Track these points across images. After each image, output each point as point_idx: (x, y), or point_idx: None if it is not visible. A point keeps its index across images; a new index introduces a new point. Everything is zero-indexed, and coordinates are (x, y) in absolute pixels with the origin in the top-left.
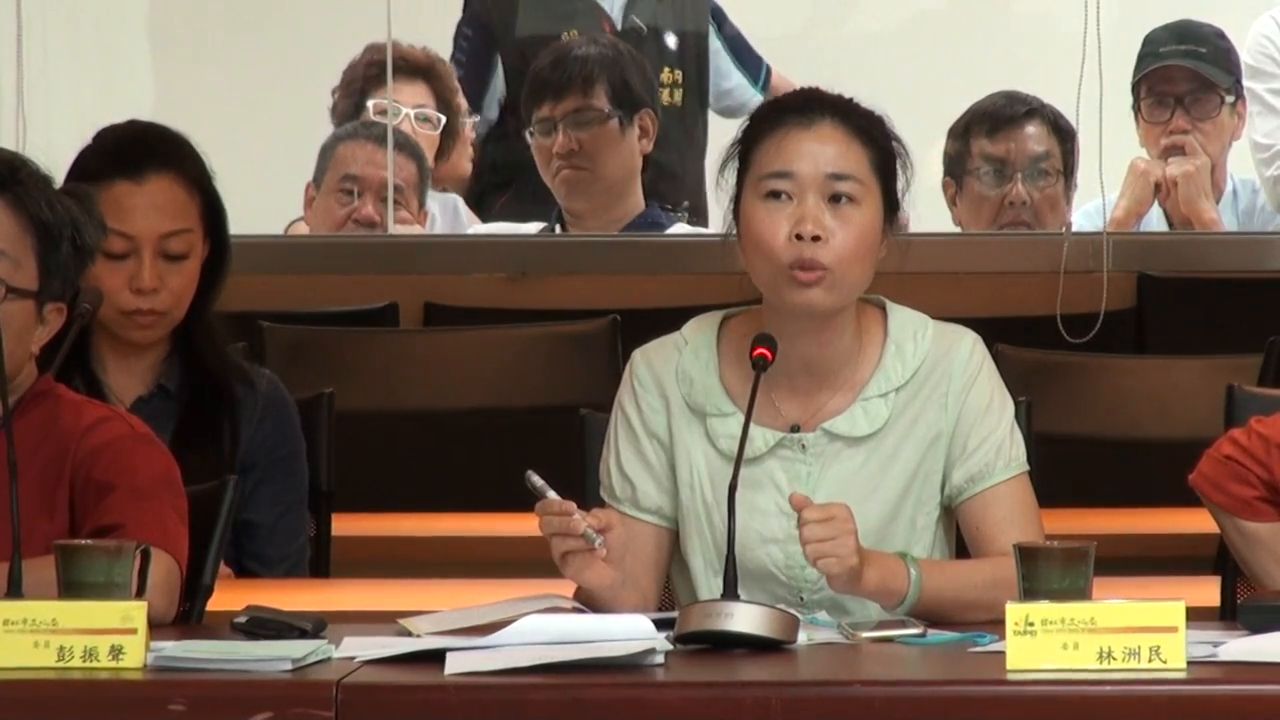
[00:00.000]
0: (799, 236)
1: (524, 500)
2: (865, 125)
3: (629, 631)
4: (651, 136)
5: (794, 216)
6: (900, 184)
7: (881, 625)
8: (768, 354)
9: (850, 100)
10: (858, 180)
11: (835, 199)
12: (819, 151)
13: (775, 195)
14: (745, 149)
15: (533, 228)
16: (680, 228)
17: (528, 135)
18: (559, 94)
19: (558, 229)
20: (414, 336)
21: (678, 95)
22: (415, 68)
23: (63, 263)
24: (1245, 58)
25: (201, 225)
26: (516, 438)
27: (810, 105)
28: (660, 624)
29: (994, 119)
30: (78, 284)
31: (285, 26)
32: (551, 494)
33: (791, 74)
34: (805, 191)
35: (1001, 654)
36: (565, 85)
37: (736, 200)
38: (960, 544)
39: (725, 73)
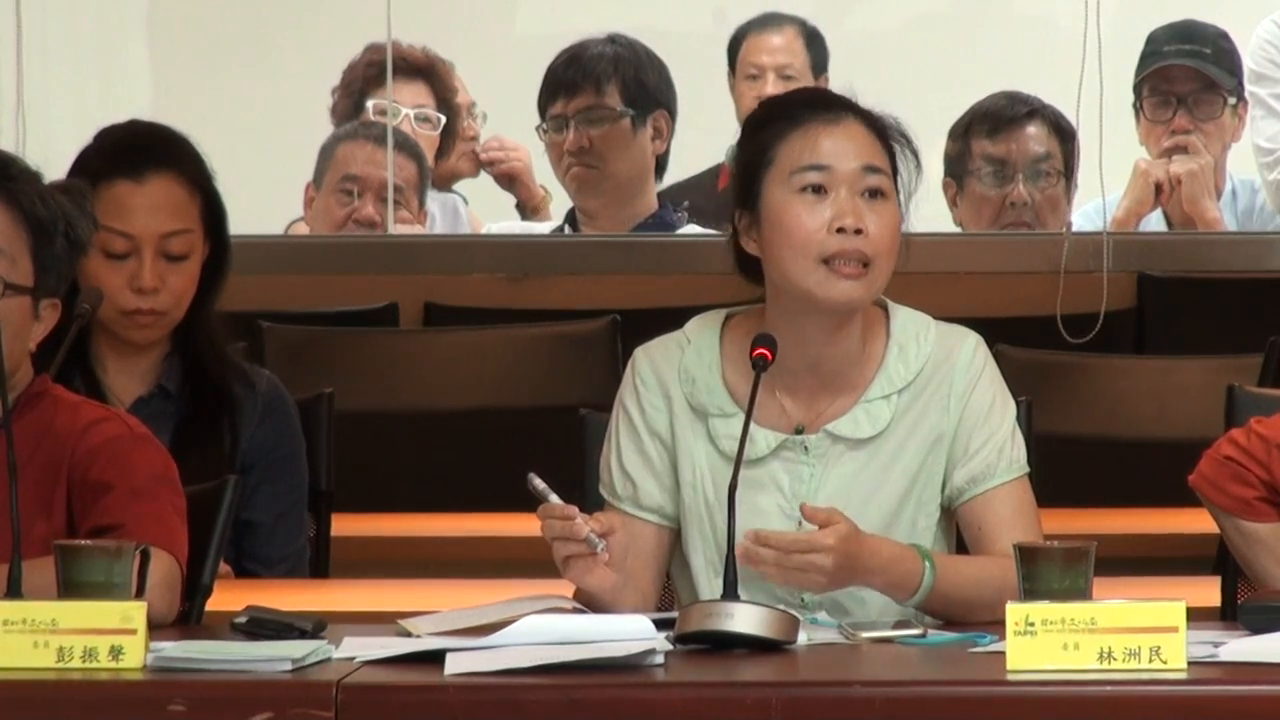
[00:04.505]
0: (840, 230)
1: (524, 500)
2: (880, 125)
3: (629, 632)
4: (666, 137)
5: (831, 210)
6: (908, 181)
7: (881, 626)
8: (768, 354)
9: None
10: (885, 174)
11: (866, 192)
12: (849, 146)
13: (809, 188)
14: (765, 146)
15: (545, 227)
16: (691, 228)
17: (539, 132)
18: (572, 91)
19: (567, 229)
20: (414, 336)
21: None
22: (415, 68)
23: (57, 258)
24: (1248, 62)
25: (202, 225)
26: (516, 438)
27: (831, 102)
28: (660, 624)
29: (995, 119)
30: (71, 279)
31: (285, 26)
32: (554, 497)
33: None
34: (839, 185)
35: (1001, 654)
36: (578, 83)
37: (750, 196)
38: (960, 545)
39: None
